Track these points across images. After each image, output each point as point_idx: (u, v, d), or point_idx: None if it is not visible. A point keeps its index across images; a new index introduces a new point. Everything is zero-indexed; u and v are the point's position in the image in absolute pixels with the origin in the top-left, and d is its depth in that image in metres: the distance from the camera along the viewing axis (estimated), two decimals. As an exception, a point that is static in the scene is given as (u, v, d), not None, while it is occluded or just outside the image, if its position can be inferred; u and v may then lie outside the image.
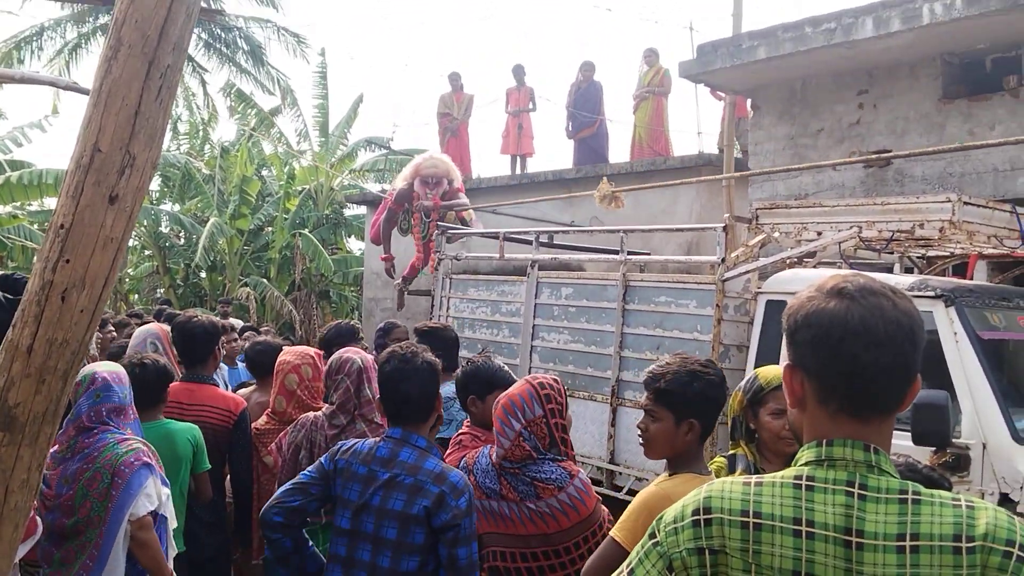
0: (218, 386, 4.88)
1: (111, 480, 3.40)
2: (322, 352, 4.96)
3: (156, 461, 3.62)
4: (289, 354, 4.84)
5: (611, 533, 2.83)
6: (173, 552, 3.72)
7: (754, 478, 1.56)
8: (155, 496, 3.50)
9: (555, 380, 3.52)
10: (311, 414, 4.27)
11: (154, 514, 3.51)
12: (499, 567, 3.44)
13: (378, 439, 3.17)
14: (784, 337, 1.59)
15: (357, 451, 3.13)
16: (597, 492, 3.65)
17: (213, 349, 4.81)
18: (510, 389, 3.51)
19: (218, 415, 4.60)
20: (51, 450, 3.45)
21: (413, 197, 10.48)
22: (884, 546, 1.41)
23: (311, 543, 3.26)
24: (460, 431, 3.94)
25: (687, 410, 2.84)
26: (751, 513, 1.50)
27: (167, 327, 5.32)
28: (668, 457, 2.93)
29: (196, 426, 4.34)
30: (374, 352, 5.78)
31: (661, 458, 2.96)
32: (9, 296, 3.61)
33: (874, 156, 8.53)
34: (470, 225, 10.42)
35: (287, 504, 3.11)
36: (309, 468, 3.24)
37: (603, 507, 3.52)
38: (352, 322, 5.73)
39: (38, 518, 3.42)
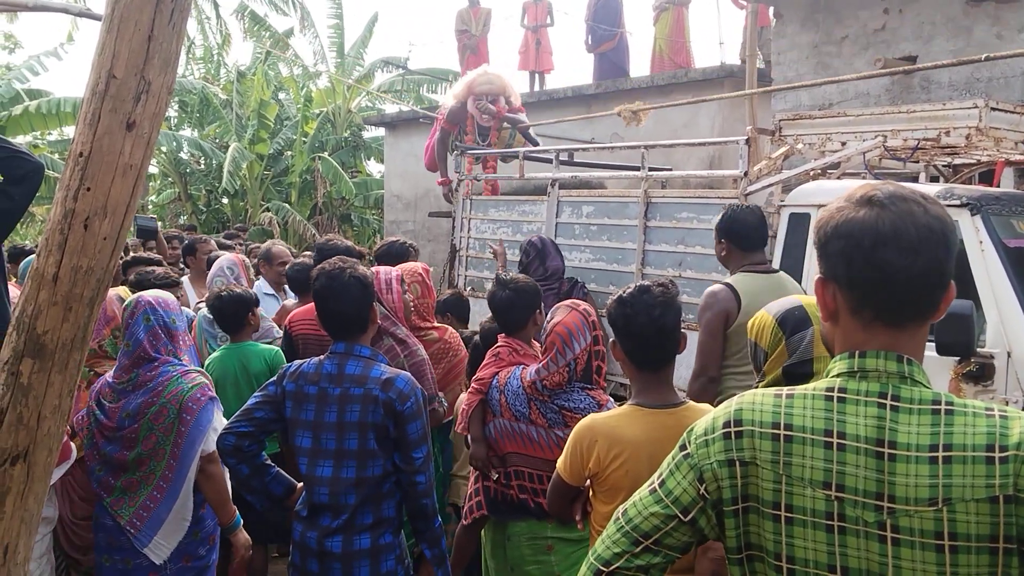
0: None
1: (178, 415, 3.44)
2: (429, 268, 4.80)
3: (212, 387, 3.66)
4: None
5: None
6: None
7: (785, 390, 1.55)
8: (221, 428, 3.53)
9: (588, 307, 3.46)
10: None
11: None
12: (526, 486, 3.49)
13: (323, 357, 3.19)
14: (815, 250, 1.56)
15: (304, 372, 3.15)
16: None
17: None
18: (559, 316, 3.43)
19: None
20: (110, 381, 3.52)
21: (467, 117, 9.68)
22: (917, 457, 1.40)
23: (273, 467, 3.31)
24: (497, 344, 3.87)
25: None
26: (782, 425, 1.50)
27: (243, 256, 5.40)
28: None
29: (279, 349, 4.50)
30: None
31: None
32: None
33: (899, 69, 8.33)
34: (538, 143, 9.86)
35: (237, 429, 3.16)
36: (256, 392, 3.27)
37: None
38: (406, 242, 5.61)
39: (71, 444, 3.49)
